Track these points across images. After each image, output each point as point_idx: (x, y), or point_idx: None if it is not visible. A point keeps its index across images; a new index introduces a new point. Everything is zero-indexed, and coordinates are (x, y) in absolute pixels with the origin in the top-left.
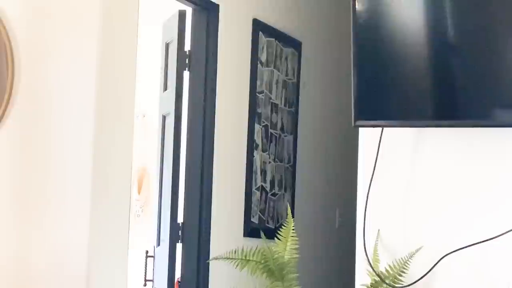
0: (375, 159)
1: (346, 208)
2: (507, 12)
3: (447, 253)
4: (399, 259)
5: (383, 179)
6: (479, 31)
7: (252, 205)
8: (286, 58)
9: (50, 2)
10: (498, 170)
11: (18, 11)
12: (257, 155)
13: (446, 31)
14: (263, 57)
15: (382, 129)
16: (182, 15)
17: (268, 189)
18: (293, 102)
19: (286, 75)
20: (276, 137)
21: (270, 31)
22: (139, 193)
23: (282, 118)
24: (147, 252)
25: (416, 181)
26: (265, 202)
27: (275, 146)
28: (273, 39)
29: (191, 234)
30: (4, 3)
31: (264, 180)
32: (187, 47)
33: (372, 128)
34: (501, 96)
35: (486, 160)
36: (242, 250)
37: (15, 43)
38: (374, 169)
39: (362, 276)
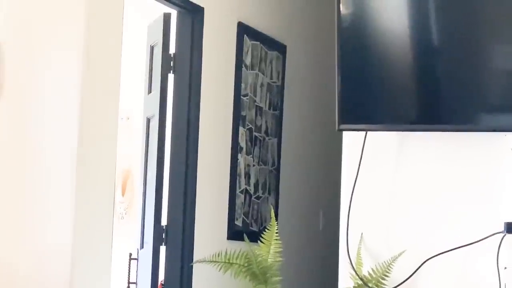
0: (358, 162)
1: (330, 211)
2: (490, 18)
3: (430, 256)
4: (382, 263)
5: (367, 182)
6: (463, 36)
7: (236, 208)
8: (270, 61)
9: (35, 6)
10: (481, 175)
11: (1, 15)
12: (241, 158)
13: (430, 36)
14: (247, 60)
15: (366, 133)
16: (167, 17)
17: (252, 192)
18: (277, 105)
19: (271, 78)
20: (260, 140)
21: (255, 34)
22: (123, 195)
23: (266, 121)
24: (130, 254)
25: (399, 185)
26: (249, 205)
27: (259, 149)
28: (258, 42)
29: (174, 236)
30: None
31: (248, 183)
32: (172, 49)
33: (356, 132)
34: (484, 101)
35: (469, 164)
36: (226, 253)
37: None
38: (357, 172)
39: (345, 279)
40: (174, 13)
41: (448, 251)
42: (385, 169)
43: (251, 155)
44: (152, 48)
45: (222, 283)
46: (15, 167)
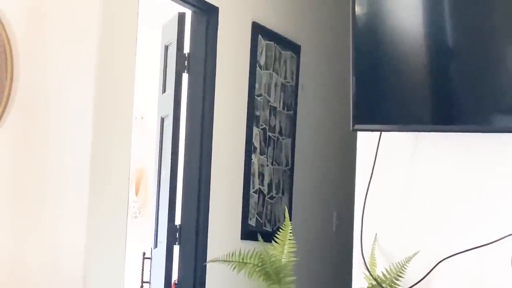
0: (373, 163)
1: (344, 211)
2: (506, 19)
3: (444, 258)
4: (396, 263)
5: (381, 183)
6: (478, 36)
7: (250, 208)
8: (285, 62)
9: (50, 5)
10: (496, 176)
11: (18, 13)
12: (255, 158)
13: (444, 36)
14: (262, 60)
15: (380, 133)
16: (181, 17)
17: (265, 192)
18: (291, 105)
19: (285, 78)
20: (274, 140)
21: (269, 34)
22: (136, 194)
23: (280, 121)
24: (144, 254)
25: (413, 186)
26: (263, 205)
27: (273, 149)
28: (272, 42)
29: (188, 236)
30: (4, 5)
31: (262, 183)
32: (186, 49)
33: (370, 132)
34: (499, 102)
35: (484, 165)
36: (240, 253)
37: (15, 44)
38: (372, 173)
39: (359, 280)
40: (188, 12)
41: (463, 252)
42: (399, 169)
43: (265, 155)
44: (166, 47)
45: (235, 283)
46: (30, 165)
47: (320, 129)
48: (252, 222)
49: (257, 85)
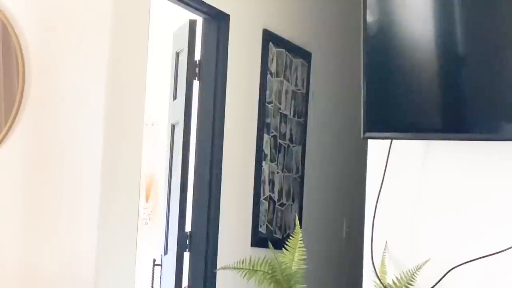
0: (383, 171)
1: (354, 219)
2: None
3: (454, 265)
4: (406, 271)
5: (391, 190)
6: (489, 44)
7: (260, 215)
8: (295, 69)
9: (62, 11)
10: (506, 184)
11: (29, 18)
12: (265, 165)
13: (456, 44)
14: (272, 67)
15: (391, 141)
16: (192, 24)
17: (276, 199)
18: (302, 113)
19: (295, 85)
20: (284, 147)
21: (280, 41)
22: (147, 201)
23: (291, 129)
24: (154, 260)
25: (424, 193)
26: (273, 212)
27: (284, 156)
28: (283, 49)
29: (198, 243)
30: (16, 11)
31: (272, 190)
32: (197, 56)
33: (381, 140)
34: (510, 110)
35: (495, 173)
36: (250, 260)
37: (26, 50)
38: (382, 180)
39: (370, 287)
40: (199, 20)
41: (474, 260)
42: (410, 177)
43: (275, 162)
44: (177, 54)
45: None
46: (41, 172)
47: (331, 137)
48: (262, 229)
49: (267, 92)
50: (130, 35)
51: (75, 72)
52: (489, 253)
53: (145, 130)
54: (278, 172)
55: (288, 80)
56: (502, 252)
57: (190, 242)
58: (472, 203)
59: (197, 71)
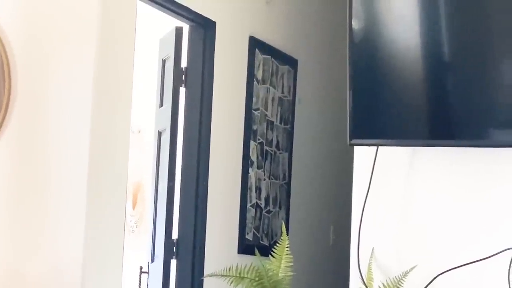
0: (370, 177)
1: (341, 226)
2: (504, 33)
3: (441, 272)
4: (393, 278)
5: (378, 197)
6: (476, 51)
7: (247, 222)
8: (282, 76)
9: (47, 17)
10: (493, 191)
11: (15, 25)
12: (252, 172)
13: (442, 51)
14: (259, 74)
15: (377, 147)
16: (179, 31)
17: (262, 206)
18: (288, 120)
19: (282, 92)
20: (271, 154)
21: (267, 48)
22: (133, 208)
23: (277, 135)
24: (141, 268)
25: (410, 200)
26: (260, 219)
27: (270, 163)
28: (269, 56)
29: (185, 250)
30: (1, 16)
31: (259, 197)
32: (184, 63)
33: (367, 146)
34: (497, 116)
35: (481, 180)
36: (237, 267)
37: (12, 57)
38: (368, 187)
39: None
40: (186, 27)
41: (459, 266)
42: (397, 184)
43: (262, 169)
44: (164, 61)
45: None
46: (26, 179)
47: (317, 143)
48: (249, 237)
49: (254, 99)
50: (116, 41)
51: (61, 79)
52: (475, 260)
53: (132, 137)
54: (264, 179)
55: (274, 87)
56: (488, 259)
57: (177, 249)
58: (458, 209)
59: (183, 78)
